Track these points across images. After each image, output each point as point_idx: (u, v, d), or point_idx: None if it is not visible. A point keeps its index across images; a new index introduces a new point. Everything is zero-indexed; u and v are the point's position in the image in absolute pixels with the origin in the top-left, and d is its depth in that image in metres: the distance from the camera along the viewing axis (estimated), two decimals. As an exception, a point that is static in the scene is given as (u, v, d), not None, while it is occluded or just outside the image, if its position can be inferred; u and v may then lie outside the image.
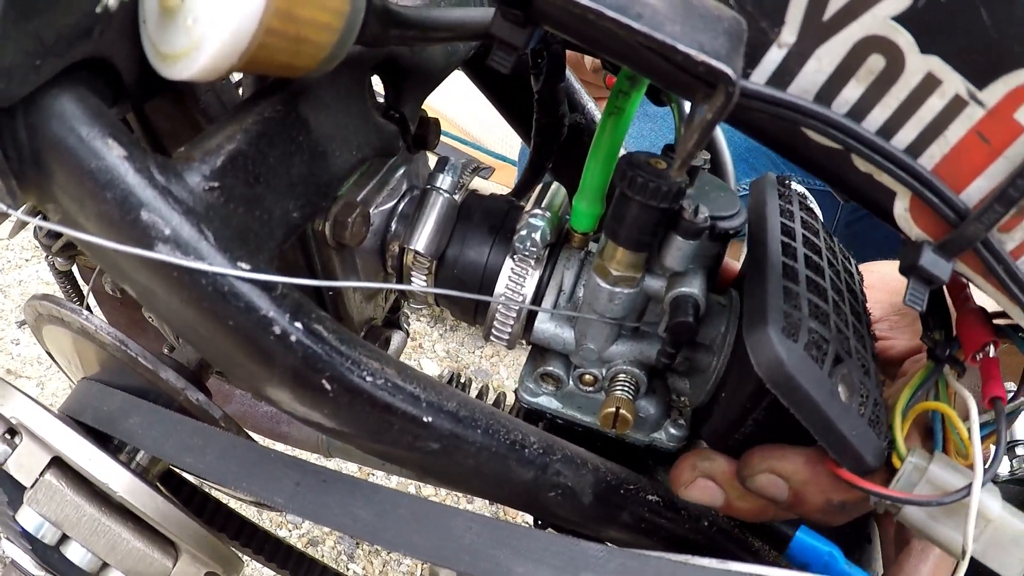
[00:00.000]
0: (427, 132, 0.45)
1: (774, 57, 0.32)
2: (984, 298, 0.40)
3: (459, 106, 1.32)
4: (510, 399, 0.58)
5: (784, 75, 0.33)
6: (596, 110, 0.56)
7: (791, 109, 0.32)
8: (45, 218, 0.37)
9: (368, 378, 0.36)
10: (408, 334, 0.56)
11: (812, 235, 0.43)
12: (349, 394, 0.36)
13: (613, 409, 0.42)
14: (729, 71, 0.27)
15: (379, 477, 1.00)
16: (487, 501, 1.02)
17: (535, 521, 0.48)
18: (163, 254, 0.34)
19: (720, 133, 0.55)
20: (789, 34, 0.32)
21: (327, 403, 0.36)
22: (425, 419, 0.37)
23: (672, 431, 0.45)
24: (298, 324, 0.35)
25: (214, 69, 0.31)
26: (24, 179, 0.35)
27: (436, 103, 1.32)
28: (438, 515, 0.38)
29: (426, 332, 1.33)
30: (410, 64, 0.44)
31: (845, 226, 1.11)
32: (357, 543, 0.98)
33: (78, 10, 0.33)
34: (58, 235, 0.55)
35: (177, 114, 0.42)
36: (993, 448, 0.38)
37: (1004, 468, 0.70)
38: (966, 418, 0.40)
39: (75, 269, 0.61)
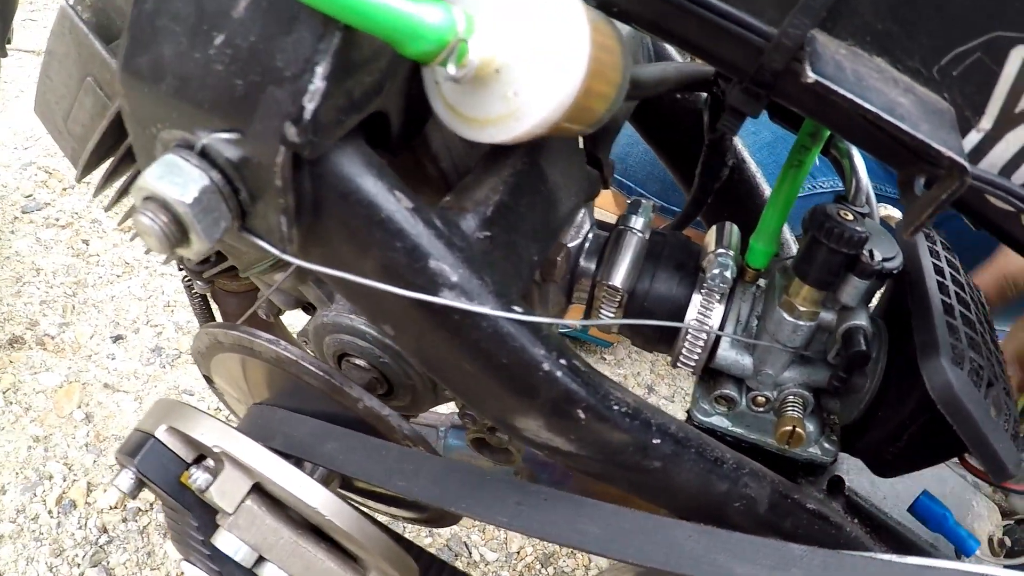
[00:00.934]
0: (608, 174, 0.53)
1: (972, 139, 0.42)
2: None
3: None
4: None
5: (978, 152, 0.43)
6: (745, 149, 0.65)
7: (983, 182, 0.42)
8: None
9: (615, 407, 0.44)
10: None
11: (956, 272, 0.53)
12: (600, 422, 0.44)
13: (790, 428, 0.51)
14: (966, 164, 0.37)
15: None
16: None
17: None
18: (449, 300, 0.40)
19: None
20: (987, 122, 0.42)
21: (577, 430, 0.44)
22: (655, 441, 0.45)
23: (826, 446, 0.55)
24: (563, 361, 0.42)
25: (528, 135, 0.38)
26: (299, 225, 0.41)
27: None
28: (660, 527, 0.47)
29: None
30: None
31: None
32: (456, 555, 1.06)
33: (378, 68, 0.39)
34: (209, 263, 0.59)
35: (409, 160, 0.48)
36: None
37: None
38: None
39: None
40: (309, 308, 0.63)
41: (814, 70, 0.38)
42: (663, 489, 0.49)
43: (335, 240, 0.42)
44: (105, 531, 1.07)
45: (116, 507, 1.10)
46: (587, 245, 0.54)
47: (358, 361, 0.58)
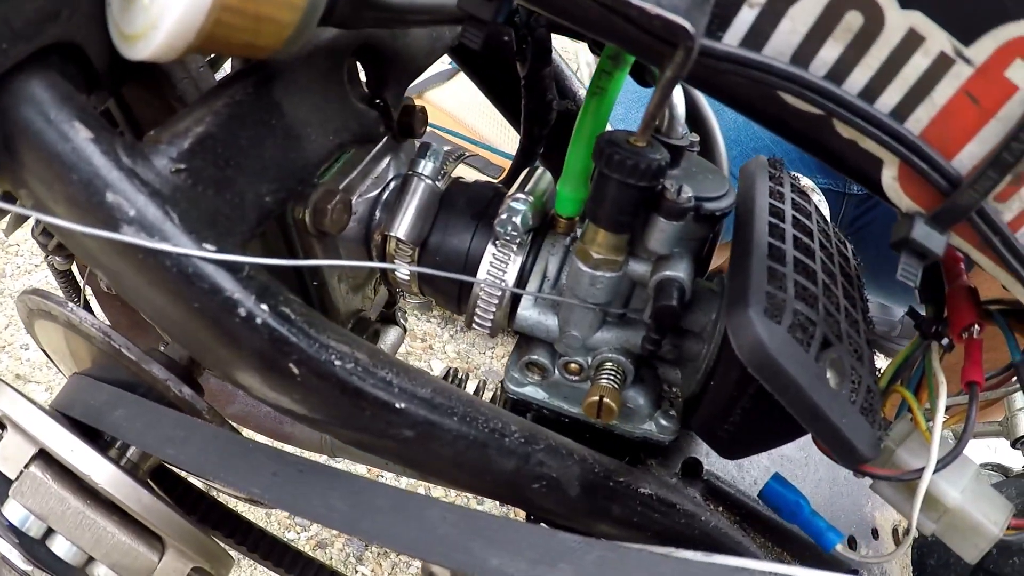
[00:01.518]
0: (412, 120, 0.44)
1: (746, 17, 0.31)
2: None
3: (472, 108, 1.31)
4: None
5: (757, 36, 0.31)
6: (581, 90, 0.54)
7: (765, 71, 0.31)
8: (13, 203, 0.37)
9: (337, 362, 0.35)
10: (405, 330, 0.54)
11: (804, 217, 0.40)
12: (318, 378, 0.35)
13: (597, 398, 0.40)
14: (686, 24, 0.26)
15: (388, 478, 0.98)
16: (496, 503, 1.00)
17: (527, 516, 0.46)
18: (128, 236, 0.33)
19: (712, 116, 0.53)
20: (761, -6, 0.30)
21: (296, 387, 0.35)
22: (397, 405, 0.36)
23: (663, 422, 0.43)
24: (264, 306, 0.34)
25: (171, 47, 0.31)
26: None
27: (447, 104, 1.32)
28: (414, 505, 0.37)
29: (436, 333, 1.32)
30: (392, 49, 0.43)
31: (850, 223, 1.08)
32: (366, 545, 0.96)
33: (43, -5, 0.33)
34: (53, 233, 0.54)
35: (155, 101, 0.41)
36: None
37: (1018, 464, 0.66)
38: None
39: (75, 269, 0.61)
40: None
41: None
42: (432, 463, 0.39)
43: (29, 179, 0.35)
44: None
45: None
46: (385, 196, 0.45)
47: (182, 330, 0.51)
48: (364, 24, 0.38)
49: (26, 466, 0.45)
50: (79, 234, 0.34)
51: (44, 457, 0.45)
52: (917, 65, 0.30)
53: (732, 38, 0.31)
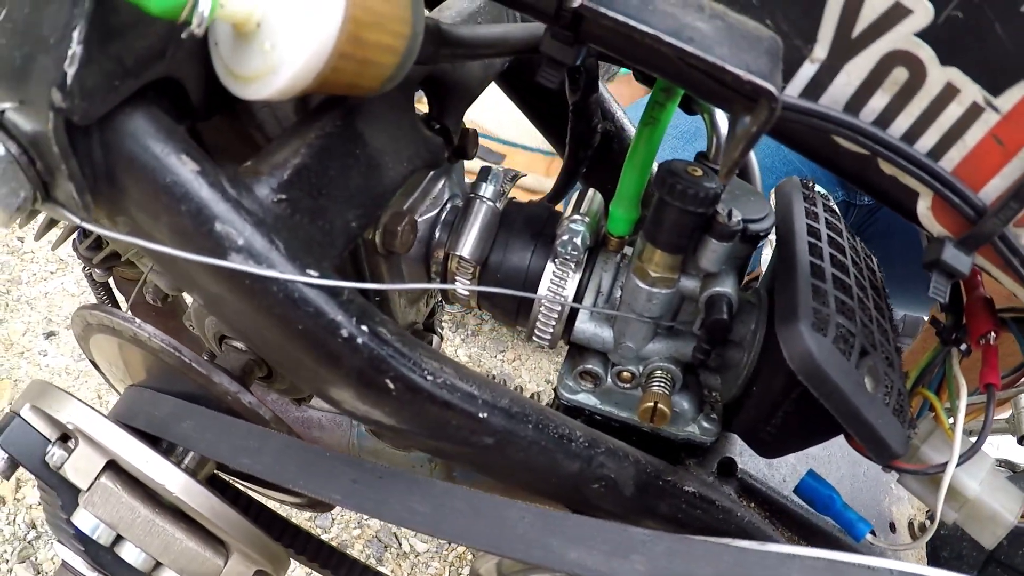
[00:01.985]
0: (467, 143, 0.48)
1: (807, 72, 0.36)
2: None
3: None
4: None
5: (816, 88, 0.36)
6: (625, 117, 0.59)
7: (823, 119, 0.36)
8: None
9: (429, 377, 0.39)
10: (442, 338, 0.59)
11: (836, 235, 0.46)
12: (411, 393, 0.39)
13: (652, 404, 0.45)
14: (772, 88, 0.30)
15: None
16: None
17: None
18: (237, 263, 0.36)
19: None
20: (821, 50, 0.35)
21: (390, 402, 0.39)
22: (481, 415, 0.40)
23: (705, 425, 0.48)
24: (364, 327, 0.38)
25: (290, 90, 0.34)
26: (97, 194, 0.38)
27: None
28: (493, 506, 0.41)
29: (448, 338, 1.36)
30: (452, 79, 0.47)
31: (856, 229, 1.17)
32: (386, 547, 1.00)
33: (154, 33, 0.36)
34: (99, 246, 0.57)
35: (230, 129, 0.45)
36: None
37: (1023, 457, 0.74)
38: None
39: (111, 280, 0.63)
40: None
41: (582, -6, 0.32)
42: (506, 468, 0.43)
43: (131, 207, 0.38)
44: (34, 527, 1.02)
45: (45, 503, 1.04)
46: (444, 216, 0.49)
47: (236, 343, 0.54)
48: (441, 60, 0.42)
49: (97, 477, 0.47)
50: (183, 261, 0.37)
51: (114, 468, 0.48)
52: (952, 113, 0.36)
53: (794, 89, 0.36)
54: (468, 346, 1.38)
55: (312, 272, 0.37)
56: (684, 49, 0.30)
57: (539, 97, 0.59)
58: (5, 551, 1.01)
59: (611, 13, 0.31)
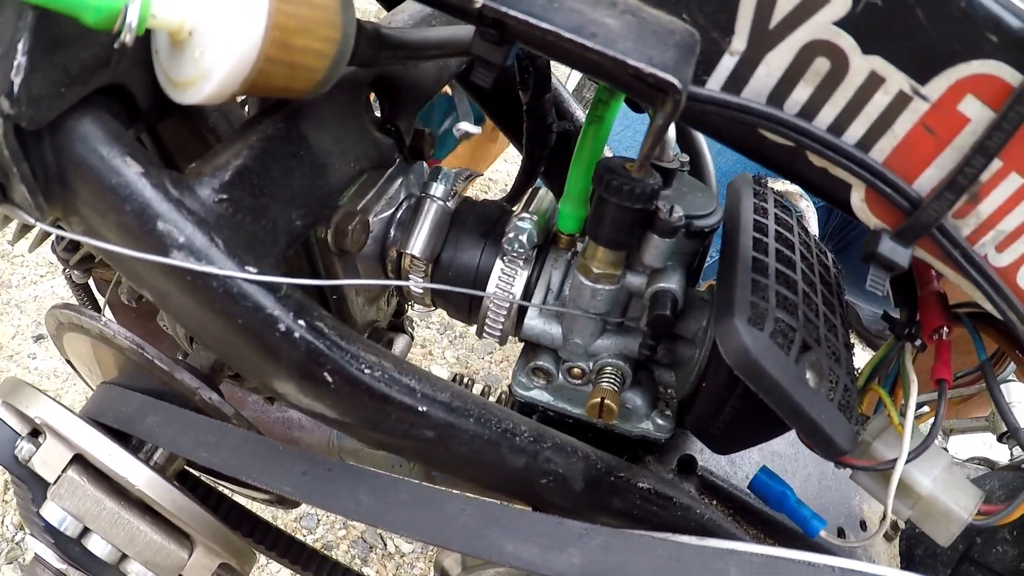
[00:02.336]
0: (422, 143, 0.50)
1: (727, 64, 0.37)
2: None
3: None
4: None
5: (738, 80, 0.37)
6: (580, 112, 0.60)
7: (745, 112, 0.37)
8: (62, 229, 0.42)
9: (366, 370, 0.40)
10: (412, 338, 0.60)
11: (786, 230, 0.47)
12: (349, 385, 0.40)
13: (599, 400, 0.46)
14: (675, 80, 0.31)
15: None
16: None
17: (534, 510, 0.52)
18: (178, 260, 0.39)
19: (701, 137, 0.59)
20: (739, 42, 0.36)
21: (329, 394, 0.41)
22: (420, 408, 0.42)
23: (659, 421, 0.49)
24: (301, 321, 0.39)
25: (219, 95, 0.36)
26: (50, 195, 0.40)
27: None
28: (435, 499, 0.43)
29: (436, 339, 1.38)
30: (404, 80, 0.49)
31: (837, 233, 1.16)
32: (371, 548, 1.02)
33: (98, 43, 0.38)
34: (76, 249, 0.60)
35: (187, 132, 0.47)
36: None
37: (1005, 455, 0.73)
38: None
39: (91, 282, 0.66)
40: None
41: (486, -8, 0.34)
42: (451, 462, 0.45)
43: (82, 207, 0.41)
44: (22, 528, 1.03)
45: (35, 504, 1.06)
46: (399, 215, 0.51)
47: (205, 341, 0.57)
48: (383, 62, 0.43)
49: (64, 470, 0.50)
50: (130, 259, 0.39)
51: (81, 461, 0.51)
52: (879, 103, 0.36)
53: (715, 82, 0.37)
54: (456, 348, 1.40)
55: (251, 268, 0.39)
56: (584, 44, 0.32)
57: (497, 97, 0.61)
58: (-7, 552, 1.03)
59: (512, 12, 0.32)
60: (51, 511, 0.50)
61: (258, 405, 0.73)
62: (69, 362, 0.60)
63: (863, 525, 0.58)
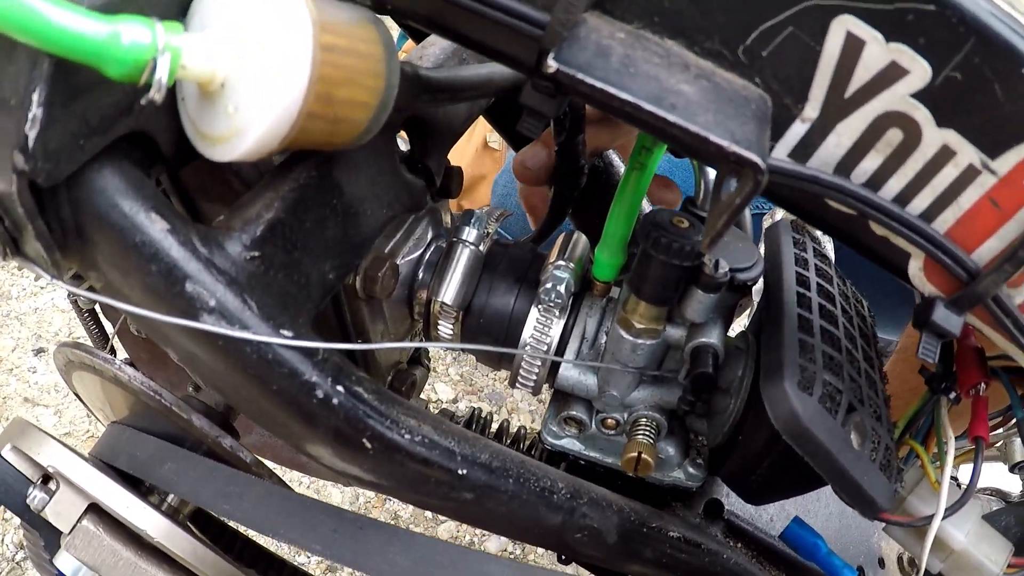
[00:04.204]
0: (451, 183, 0.47)
1: (797, 131, 0.34)
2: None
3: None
4: (519, 421, 0.59)
5: (807, 147, 0.34)
6: (614, 154, 0.57)
7: (811, 182, 0.34)
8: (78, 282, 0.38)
9: (406, 435, 0.37)
10: (429, 369, 0.57)
11: (826, 282, 0.44)
12: (388, 451, 0.37)
13: (635, 454, 0.44)
14: (758, 160, 0.29)
15: (394, 503, 1.01)
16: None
17: (559, 557, 0.50)
18: (208, 324, 0.35)
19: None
20: (812, 110, 0.33)
21: (367, 459, 0.38)
22: (460, 472, 0.39)
23: (691, 470, 0.47)
24: (339, 387, 0.36)
25: (255, 154, 0.32)
26: (67, 249, 0.36)
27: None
28: (474, 561, 0.40)
29: (440, 356, 1.35)
30: (435, 120, 0.45)
31: (837, 250, 1.14)
32: None
33: (119, 90, 0.34)
34: (83, 277, 0.55)
35: (208, 173, 0.43)
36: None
37: (1016, 488, 0.73)
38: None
39: (97, 308, 0.62)
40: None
41: (559, 57, 0.30)
42: (487, 520, 0.42)
43: (102, 264, 0.37)
44: (22, 547, 1.00)
45: (34, 525, 1.03)
46: (427, 257, 0.47)
47: (220, 377, 0.53)
48: (420, 105, 0.40)
49: (79, 520, 0.46)
50: (157, 322, 0.35)
51: (96, 510, 0.47)
52: (947, 175, 0.34)
53: (783, 149, 0.34)
54: (460, 365, 1.37)
55: (286, 332, 0.36)
56: (666, 118, 0.29)
57: (529, 138, 0.57)
58: (-7, 572, 1.00)
59: (589, 80, 0.29)
60: (65, 561, 0.47)
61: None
62: (77, 395, 0.56)
63: (881, 563, 0.57)
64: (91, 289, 0.38)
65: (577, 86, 0.29)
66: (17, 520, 1.00)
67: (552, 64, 0.29)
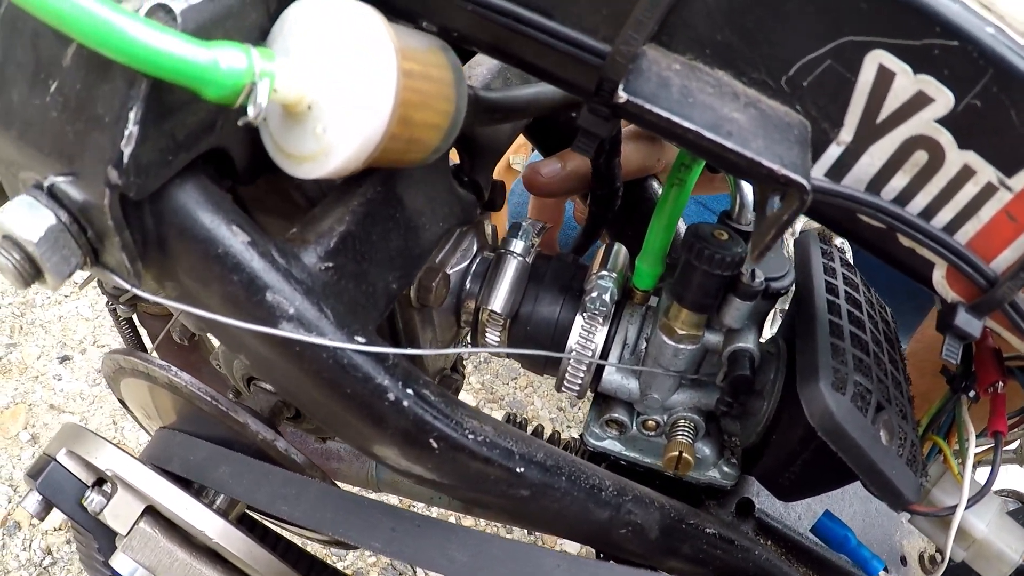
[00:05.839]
0: (496, 196, 0.51)
1: (833, 153, 0.39)
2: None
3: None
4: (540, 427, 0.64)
5: (841, 168, 0.39)
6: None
7: (847, 199, 0.39)
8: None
9: (470, 436, 0.42)
10: (464, 376, 0.61)
11: (853, 290, 0.49)
12: (453, 451, 0.42)
13: (676, 453, 0.48)
14: (805, 183, 0.33)
15: (419, 508, 1.05)
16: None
17: (597, 554, 0.55)
18: (288, 331, 0.39)
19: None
20: (847, 134, 0.38)
21: (433, 459, 0.42)
22: (518, 470, 0.43)
23: (726, 469, 0.52)
24: (409, 391, 0.40)
25: (342, 172, 0.37)
26: (147, 259, 0.40)
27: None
28: (529, 555, 0.44)
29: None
30: (483, 136, 0.50)
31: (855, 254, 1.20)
32: (400, 574, 1.03)
33: (204, 108, 0.38)
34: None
35: (268, 187, 0.47)
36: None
37: None
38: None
39: (135, 316, 0.65)
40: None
41: (628, 88, 0.35)
42: (539, 517, 0.47)
43: (181, 274, 0.41)
44: (49, 553, 1.03)
45: (60, 529, 1.06)
46: (474, 267, 0.52)
47: (264, 384, 0.57)
48: (480, 124, 0.44)
49: (136, 522, 0.50)
50: (233, 327, 0.39)
51: (152, 512, 0.51)
52: (968, 192, 0.39)
53: (820, 169, 0.39)
54: (481, 373, 1.41)
55: (360, 338, 0.40)
56: (724, 145, 0.33)
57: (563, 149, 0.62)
58: (21, 576, 1.03)
59: (655, 110, 0.34)
60: (122, 562, 0.50)
61: (295, 436, 0.73)
62: (122, 403, 0.59)
63: (903, 560, 0.62)
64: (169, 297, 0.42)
65: (644, 115, 0.34)
66: (45, 526, 1.04)
67: (623, 95, 0.34)
